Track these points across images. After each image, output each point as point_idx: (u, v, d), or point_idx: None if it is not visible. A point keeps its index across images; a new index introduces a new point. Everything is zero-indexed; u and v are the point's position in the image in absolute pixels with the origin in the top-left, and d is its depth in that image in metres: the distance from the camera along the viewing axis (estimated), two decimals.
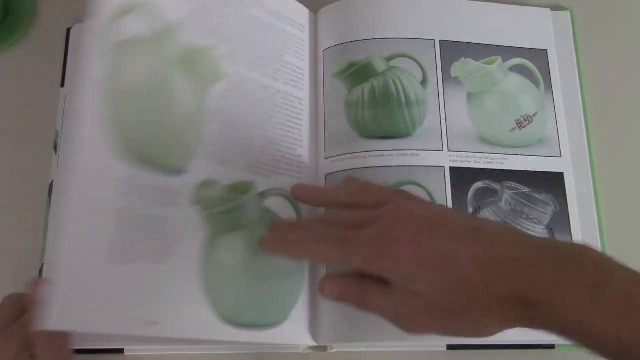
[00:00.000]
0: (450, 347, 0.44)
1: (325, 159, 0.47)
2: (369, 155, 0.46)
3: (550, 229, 0.46)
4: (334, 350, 0.44)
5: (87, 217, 0.36)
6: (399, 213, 0.35)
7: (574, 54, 0.51)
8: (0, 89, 0.50)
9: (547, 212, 0.46)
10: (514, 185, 0.46)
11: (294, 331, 0.43)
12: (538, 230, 0.45)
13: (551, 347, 0.44)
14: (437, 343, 0.44)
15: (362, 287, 0.35)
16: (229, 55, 0.44)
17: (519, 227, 0.45)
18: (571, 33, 0.52)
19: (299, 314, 0.43)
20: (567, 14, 0.53)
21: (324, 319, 0.43)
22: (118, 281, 0.36)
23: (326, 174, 0.46)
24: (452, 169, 0.46)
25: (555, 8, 0.53)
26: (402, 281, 0.33)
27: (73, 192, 0.36)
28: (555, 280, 0.30)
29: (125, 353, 0.43)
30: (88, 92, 0.37)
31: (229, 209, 0.41)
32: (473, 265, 0.31)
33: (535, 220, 0.46)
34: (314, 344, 0.43)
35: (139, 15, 0.40)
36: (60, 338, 0.37)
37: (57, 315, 0.33)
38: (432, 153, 0.46)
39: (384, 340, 0.43)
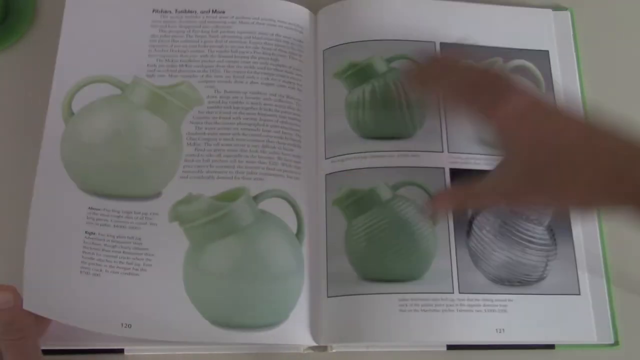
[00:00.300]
0: (450, 347, 0.44)
1: (326, 159, 0.47)
2: (369, 156, 0.46)
3: (551, 230, 0.46)
4: (334, 350, 0.44)
5: (60, 237, 0.43)
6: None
7: (574, 54, 0.51)
8: (0, 89, 0.50)
9: (547, 213, 0.46)
10: None
11: (294, 331, 0.43)
12: (538, 232, 0.45)
13: (551, 347, 0.44)
14: (437, 343, 0.44)
15: (470, 185, 0.40)
16: (202, 82, 0.47)
17: (518, 229, 0.45)
18: (571, 33, 0.52)
19: (299, 314, 0.43)
20: (567, 14, 0.53)
21: (324, 319, 0.43)
22: (92, 288, 0.42)
23: (326, 174, 0.46)
24: (452, 170, 0.46)
25: (555, 8, 0.53)
26: (512, 152, 0.37)
27: (43, 215, 0.43)
28: None
29: (125, 353, 0.43)
30: (46, 147, 0.45)
31: (215, 217, 0.43)
32: (578, 145, 0.35)
33: (535, 222, 0.46)
34: (314, 344, 0.43)
35: (97, 85, 0.47)
36: (27, 344, 0.38)
37: (35, 299, 0.40)
38: (432, 154, 0.46)
39: (384, 340, 0.43)
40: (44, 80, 0.48)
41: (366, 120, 0.47)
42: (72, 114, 0.46)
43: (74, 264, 0.42)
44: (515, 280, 0.44)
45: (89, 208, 0.44)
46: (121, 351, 0.43)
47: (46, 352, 0.41)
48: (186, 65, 0.48)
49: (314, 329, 0.43)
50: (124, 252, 0.43)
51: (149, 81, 0.47)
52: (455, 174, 0.46)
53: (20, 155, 0.48)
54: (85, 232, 0.43)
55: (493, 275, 0.44)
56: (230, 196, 0.44)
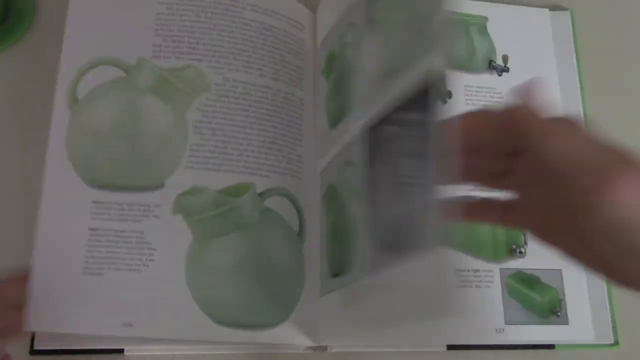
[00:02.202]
0: (450, 347, 0.44)
1: (322, 157, 0.47)
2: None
3: None
4: (334, 350, 0.44)
5: (63, 237, 0.41)
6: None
7: (574, 54, 0.51)
8: (0, 89, 0.50)
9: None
10: None
11: (294, 331, 0.43)
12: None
13: (551, 347, 0.44)
14: (437, 343, 0.44)
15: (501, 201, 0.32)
16: (210, 68, 0.45)
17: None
18: (571, 33, 0.52)
19: (299, 313, 0.43)
20: (567, 14, 0.53)
21: (324, 319, 0.43)
22: (95, 289, 0.41)
23: (320, 172, 0.46)
24: None
25: (555, 8, 0.53)
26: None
27: (50, 214, 0.41)
28: None
29: (125, 353, 0.43)
30: (53, 136, 0.43)
31: (221, 212, 0.42)
32: None
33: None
34: (314, 344, 0.43)
35: (103, 67, 0.44)
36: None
37: (38, 318, 0.39)
38: None
39: (384, 340, 0.43)
40: (44, 79, 0.48)
41: (332, 109, 0.46)
42: (77, 100, 0.44)
43: (78, 266, 0.41)
44: None
45: (93, 202, 0.42)
46: (121, 351, 0.43)
47: (46, 352, 0.41)
48: (194, 48, 0.46)
49: (314, 329, 0.43)
50: (126, 247, 0.42)
51: (154, 63, 0.45)
52: None
53: (19, 154, 0.48)
54: (89, 228, 0.42)
55: None
56: (236, 191, 0.43)
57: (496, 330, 0.43)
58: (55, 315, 0.40)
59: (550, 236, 0.30)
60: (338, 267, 0.42)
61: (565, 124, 0.30)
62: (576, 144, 0.29)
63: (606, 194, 0.26)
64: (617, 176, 0.27)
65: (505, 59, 0.50)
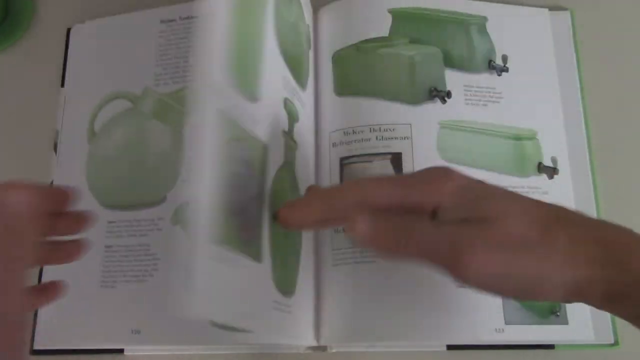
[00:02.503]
0: (450, 347, 0.44)
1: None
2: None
3: None
4: (334, 350, 0.44)
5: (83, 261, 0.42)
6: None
7: (574, 54, 0.51)
8: (0, 89, 0.50)
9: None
10: None
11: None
12: None
13: (551, 347, 0.44)
14: (437, 343, 0.44)
15: (407, 220, 0.31)
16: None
17: None
18: (571, 33, 0.52)
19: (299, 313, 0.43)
20: (567, 14, 0.53)
21: (324, 319, 0.43)
22: (108, 301, 0.44)
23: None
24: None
25: (555, 8, 0.53)
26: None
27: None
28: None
29: (125, 353, 0.43)
30: (75, 165, 0.48)
31: None
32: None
33: None
34: (314, 344, 0.43)
35: (116, 102, 0.49)
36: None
37: (57, 336, 0.43)
38: None
39: (384, 340, 0.43)
40: (43, 80, 0.48)
41: None
42: (95, 134, 0.48)
43: (96, 280, 0.44)
44: None
45: (108, 222, 0.45)
46: (121, 351, 0.43)
47: (46, 352, 0.42)
48: (188, 70, 0.48)
49: (314, 329, 0.43)
50: (135, 260, 0.44)
51: (157, 90, 0.48)
52: None
53: (20, 155, 0.48)
54: (105, 246, 0.45)
55: None
56: None
57: (496, 330, 0.43)
58: (73, 325, 0.43)
59: None
60: None
61: (402, 225, 0.32)
62: (419, 247, 0.31)
63: (463, 279, 0.30)
64: (465, 263, 0.29)
65: (504, 58, 0.50)
